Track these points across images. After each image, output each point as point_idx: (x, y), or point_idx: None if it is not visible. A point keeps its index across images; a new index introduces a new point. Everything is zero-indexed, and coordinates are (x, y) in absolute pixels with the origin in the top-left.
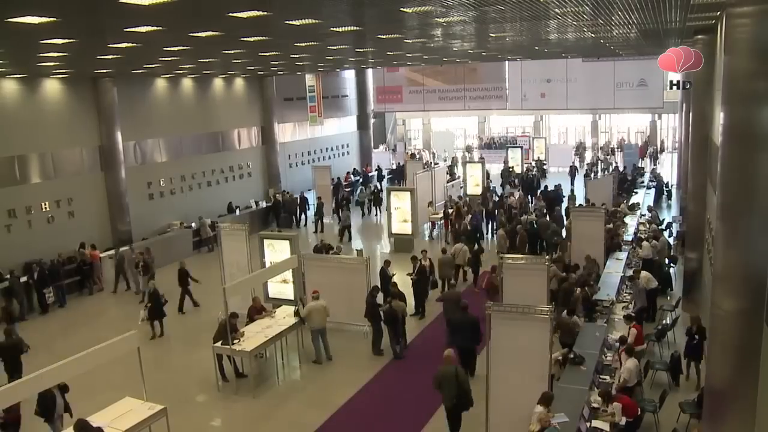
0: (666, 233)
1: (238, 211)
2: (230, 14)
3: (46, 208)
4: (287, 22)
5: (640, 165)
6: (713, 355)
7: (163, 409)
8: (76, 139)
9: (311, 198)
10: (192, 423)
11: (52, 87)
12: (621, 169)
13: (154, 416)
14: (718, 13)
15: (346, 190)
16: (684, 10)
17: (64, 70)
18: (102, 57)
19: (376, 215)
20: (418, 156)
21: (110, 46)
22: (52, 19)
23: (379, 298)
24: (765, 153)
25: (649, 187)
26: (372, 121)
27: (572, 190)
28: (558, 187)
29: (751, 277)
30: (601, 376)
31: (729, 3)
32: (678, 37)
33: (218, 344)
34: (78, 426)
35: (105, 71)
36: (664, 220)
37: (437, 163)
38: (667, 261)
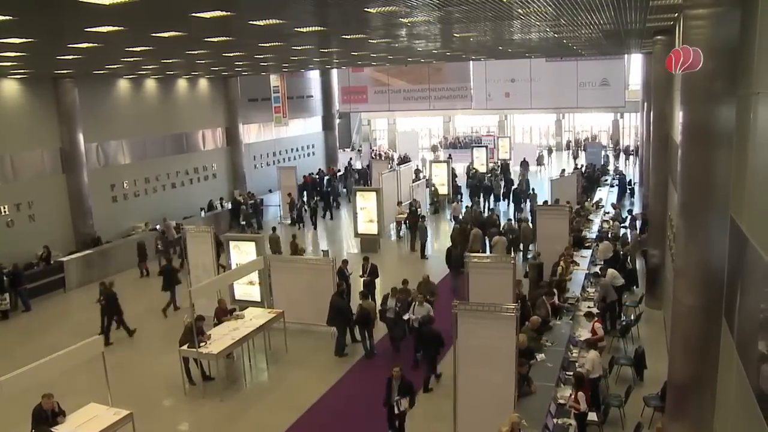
0: (627, 230)
1: (203, 213)
2: (193, 14)
3: (5, 211)
4: (251, 22)
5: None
6: (675, 350)
7: (128, 414)
8: (36, 141)
9: (276, 199)
10: (159, 428)
11: (10, 88)
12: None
13: (119, 422)
14: (676, 14)
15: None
16: (643, 12)
17: (22, 71)
18: (62, 57)
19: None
20: (384, 156)
21: (70, 46)
22: (8, 17)
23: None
24: (723, 151)
25: (612, 185)
26: (337, 121)
27: (533, 189)
28: (520, 186)
29: (710, 272)
30: (567, 373)
31: (685, 5)
32: (638, 37)
33: (185, 347)
34: None
35: (65, 72)
36: (627, 217)
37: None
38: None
